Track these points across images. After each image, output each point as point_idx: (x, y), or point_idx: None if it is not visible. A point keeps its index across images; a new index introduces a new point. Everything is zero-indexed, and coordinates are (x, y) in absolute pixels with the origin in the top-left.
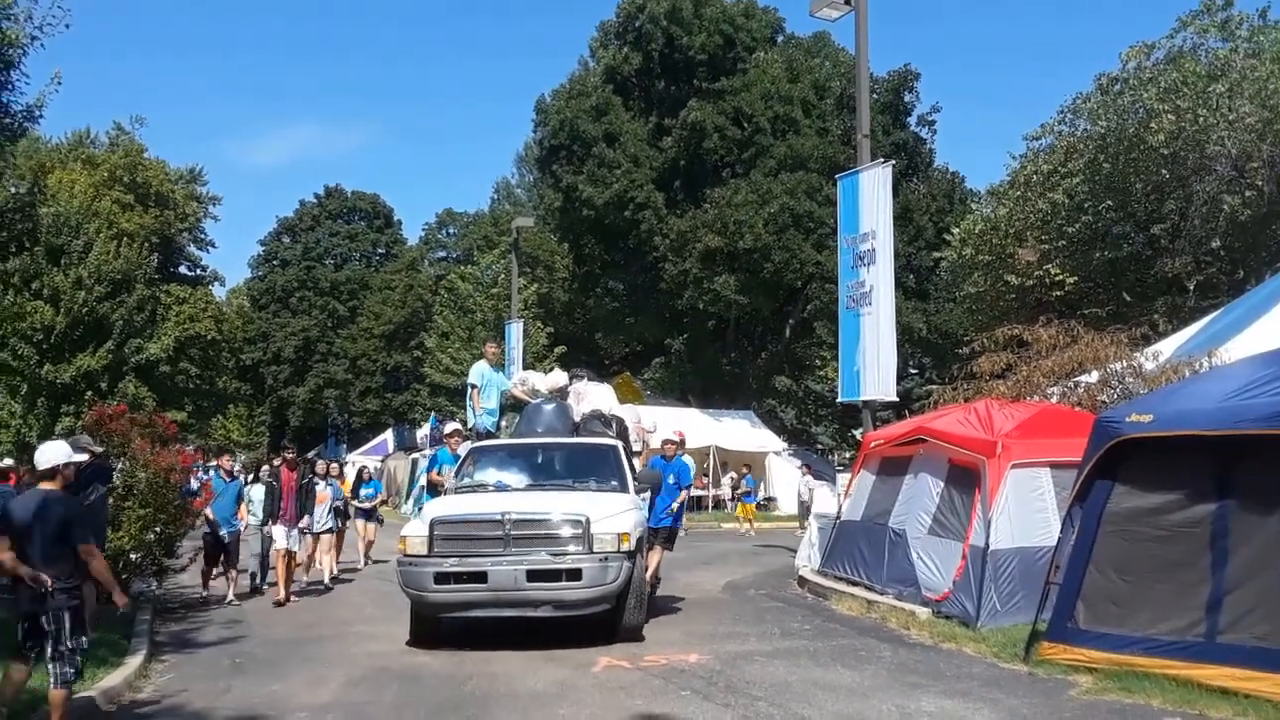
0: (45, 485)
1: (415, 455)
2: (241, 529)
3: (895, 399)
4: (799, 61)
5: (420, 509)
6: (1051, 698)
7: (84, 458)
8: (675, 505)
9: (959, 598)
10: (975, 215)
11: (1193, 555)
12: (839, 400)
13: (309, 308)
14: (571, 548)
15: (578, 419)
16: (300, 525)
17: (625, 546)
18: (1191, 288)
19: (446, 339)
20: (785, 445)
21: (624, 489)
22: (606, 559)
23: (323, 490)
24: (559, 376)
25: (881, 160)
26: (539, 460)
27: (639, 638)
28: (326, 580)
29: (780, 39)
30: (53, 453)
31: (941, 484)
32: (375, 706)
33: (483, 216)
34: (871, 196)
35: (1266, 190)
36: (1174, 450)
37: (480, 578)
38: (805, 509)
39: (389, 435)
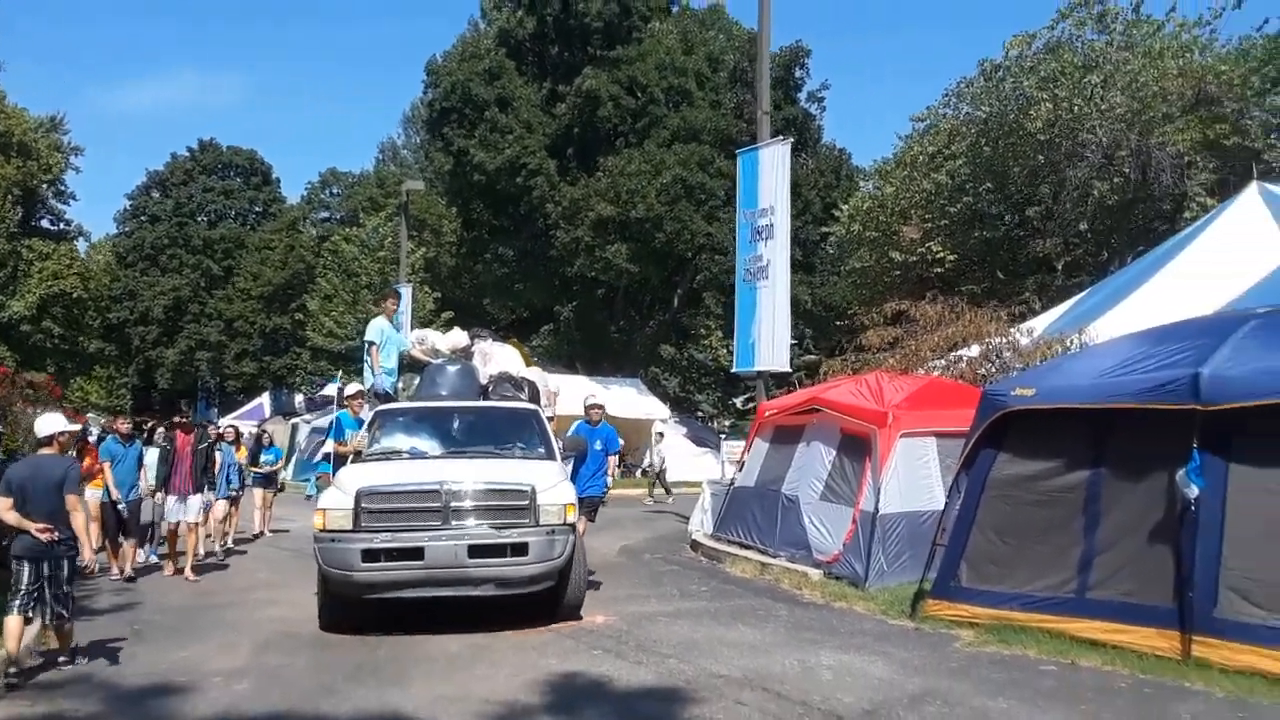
0: (44, 451)
1: (295, 420)
2: (143, 498)
3: (788, 370)
4: (693, 33)
5: (317, 482)
6: (938, 650)
7: (78, 427)
8: (615, 471)
9: (849, 559)
10: (863, 193)
11: (1067, 518)
12: (734, 370)
13: (180, 266)
14: (516, 520)
15: (484, 381)
16: (203, 495)
17: (570, 518)
18: (1060, 267)
19: (330, 302)
20: (669, 413)
21: (550, 456)
22: (553, 532)
23: (219, 456)
24: (459, 336)
25: (781, 138)
26: (454, 425)
27: (578, 616)
28: (218, 549)
29: (675, 9)
30: (50, 423)
31: (833, 452)
32: (291, 670)
33: (368, 177)
34: (770, 173)
35: (1132, 177)
36: (1053, 422)
37: (415, 554)
38: (658, 475)
39: (265, 399)
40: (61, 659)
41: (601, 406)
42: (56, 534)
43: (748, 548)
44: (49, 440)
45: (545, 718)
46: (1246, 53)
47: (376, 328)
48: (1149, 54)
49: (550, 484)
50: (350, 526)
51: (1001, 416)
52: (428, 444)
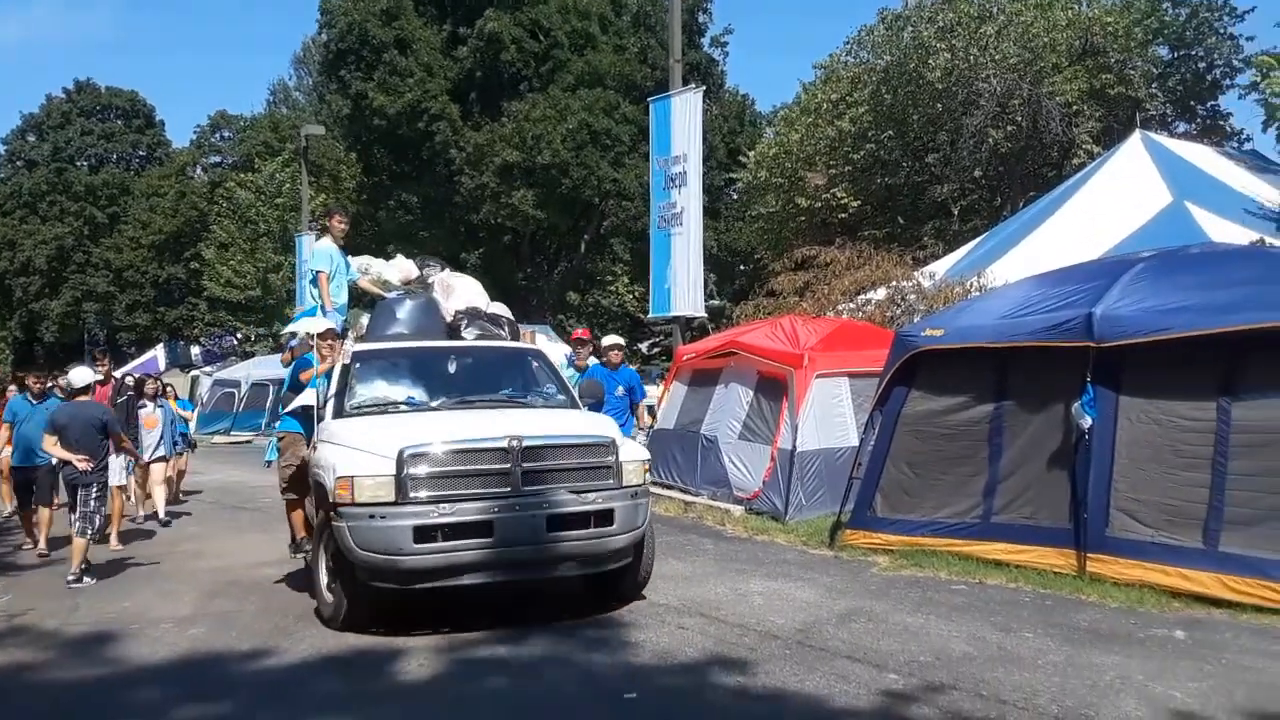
0: (80, 398)
1: (194, 373)
2: (53, 461)
3: (704, 315)
4: None
5: (279, 444)
6: (857, 575)
7: (100, 377)
8: (646, 421)
9: (769, 495)
10: (769, 140)
11: (973, 450)
12: (649, 316)
13: (62, 214)
14: (597, 483)
15: (449, 318)
16: (123, 458)
17: (647, 478)
18: (956, 212)
19: (226, 251)
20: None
21: (573, 404)
22: (636, 495)
23: (150, 414)
24: (407, 265)
25: (693, 86)
26: (450, 370)
27: (643, 596)
28: (161, 515)
29: None
30: (82, 375)
31: (751, 393)
32: (242, 615)
33: (261, 121)
34: (683, 120)
35: (1024, 125)
36: (961, 360)
37: (482, 529)
38: None
39: (159, 352)
40: (70, 576)
41: (622, 346)
42: (93, 464)
43: (670, 487)
44: (85, 389)
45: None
46: (1130, 4)
47: (325, 252)
48: (1040, 5)
49: (621, 437)
50: (393, 497)
51: (913, 356)
52: (425, 393)
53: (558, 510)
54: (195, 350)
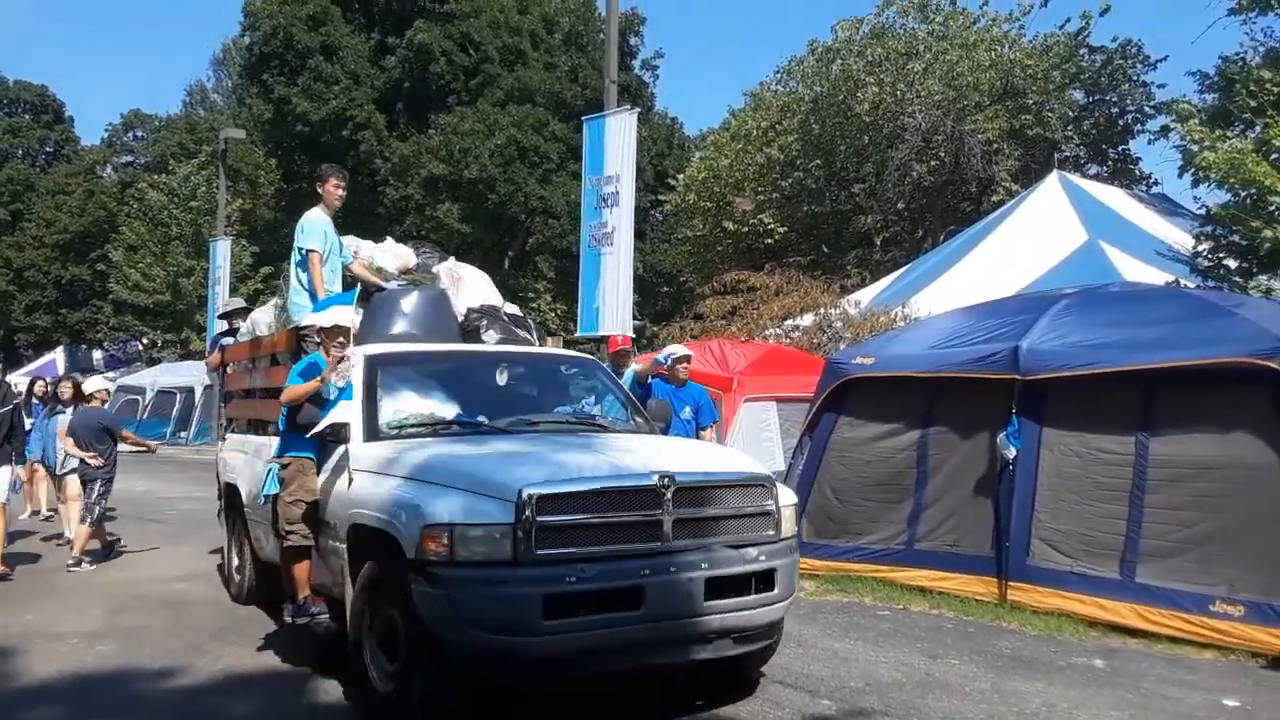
0: (87, 405)
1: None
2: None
3: (633, 335)
4: None
5: (281, 474)
6: None
7: (113, 386)
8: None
9: None
10: (698, 163)
11: (899, 477)
12: (577, 335)
13: None
14: (756, 535)
15: (460, 316)
16: (11, 466)
17: (796, 526)
18: (879, 242)
19: (135, 253)
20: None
21: (650, 429)
22: (793, 549)
23: (64, 423)
24: (402, 249)
25: (628, 107)
26: (501, 383)
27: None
28: (76, 553)
29: None
30: (92, 384)
31: None
32: (152, 631)
33: (176, 121)
34: (617, 141)
35: (947, 161)
36: (890, 388)
37: (632, 599)
38: None
39: (58, 355)
40: (69, 561)
41: (690, 357)
42: (102, 462)
43: None
44: (91, 396)
45: None
46: (1049, 49)
47: (319, 225)
48: (965, 45)
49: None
50: (510, 555)
51: (843, 383)
52: (466, 412)
53: (719, 571)
54: (97, 355)
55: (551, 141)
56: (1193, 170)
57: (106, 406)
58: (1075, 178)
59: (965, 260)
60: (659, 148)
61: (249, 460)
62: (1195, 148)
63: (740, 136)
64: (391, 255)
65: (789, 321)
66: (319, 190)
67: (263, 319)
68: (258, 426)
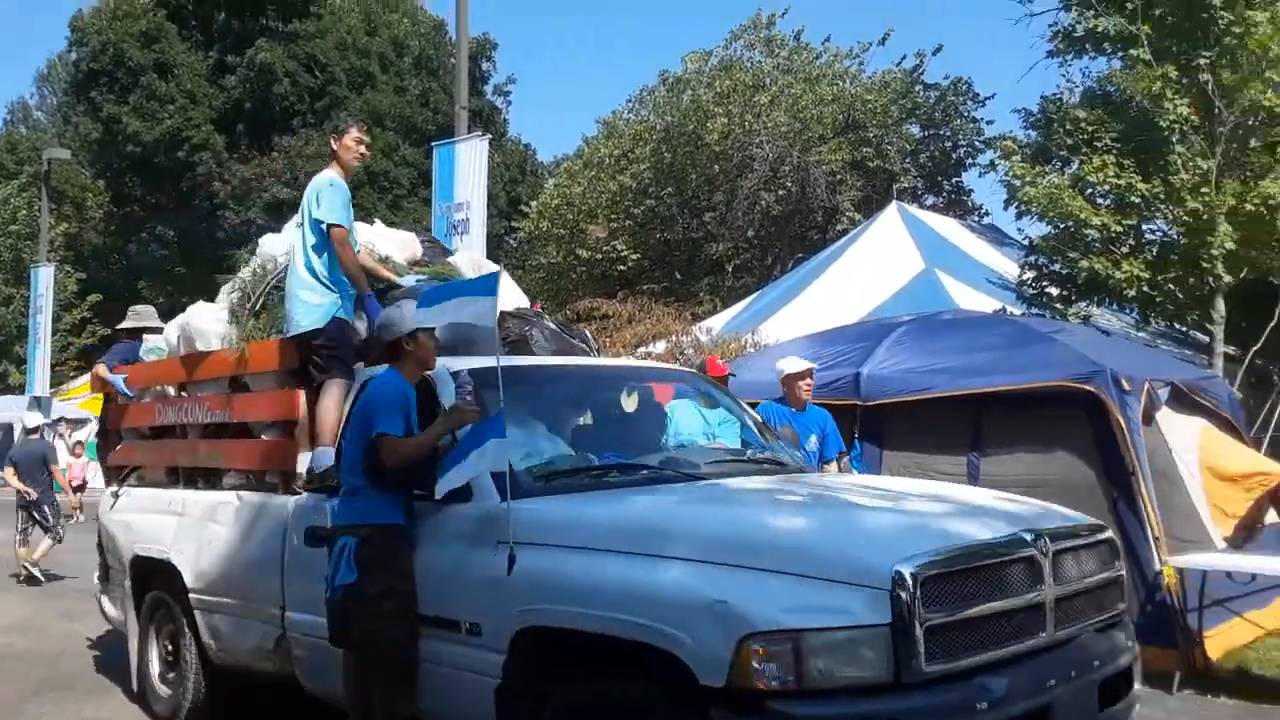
0: (31, 436)
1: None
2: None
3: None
4: (378, 15)
5: (356, 555)
6: None
7: (52, 419)
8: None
9: None
10: (551, 190)
11: None
12: None
13: None
14: (1115, 611)
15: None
16: None
17: None
18: (730, 269)
19: None
20: None
21: (802, 465)
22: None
23: None
24: (406, 237)
25: (479, 134)
26: (629, 410)
27: None
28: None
29: None
30: (32, 419)
31: None
32: None
33: None
34: (468, 168)
35: (793, 190)
36: None
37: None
38: None
39: None
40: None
41: (811, 373)
42: (35, 492)
43: None
44: (34, 430)
45: None
46: (888, 85)
47: (342, 195)
48: (808, 79)
49: None
50: (889, 672)
51: None
52: (596, 451)
53: (1109, 668)
54: None
55: (401, 166)
56: (1016, 204)
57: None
58: (913, 208)
59: (812, 287)
60: (512, 174)
61: (198, 526)
62: (1018, 183)
63: (593, 164)
64: (395, 242)
65: (642, 349)
66: (333, 147)
67: (210, 327)
68: (203, 478)
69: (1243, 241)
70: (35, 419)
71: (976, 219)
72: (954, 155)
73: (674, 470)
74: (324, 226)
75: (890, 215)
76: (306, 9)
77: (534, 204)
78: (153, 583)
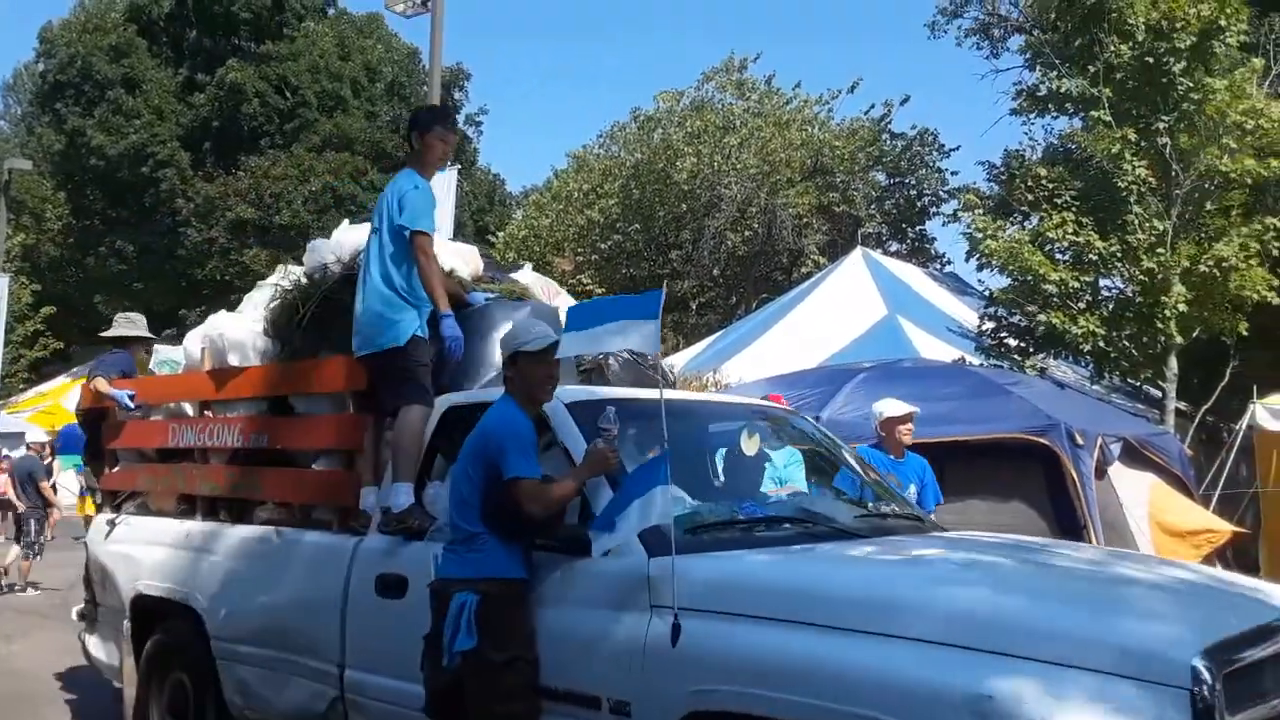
0: (28, 452)
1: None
2: None
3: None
4: (351, 40)
5: (475, 616)
6: None
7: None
8: None
9: None
10: (518, 221)
11: None
12: None
13: None
14: None
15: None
16: None
17: None
18: (694, 307)
19: None
20: None
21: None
22: None
23: None
24: (468, 250)
25: (450, 163)
26: (749, 453)
27: None
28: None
29: (333, 12)
30: (31, 434)
31: None
32: None
33: None
34: (436, 196)
35: (760, 232)
36: None
37: None
38: None
39: None
40: (17, 585)
41: (912, 417)
42: (24, 505)
43: None
44: (28, 445)
45: None
46: (855, 132)
47: (429, 198)
48: (778, 123)
49: None
50: None
51: None
52: (709, 495)
53: None
54: None
55: (370, 191)
56: (978, 256)
57: None
58: (877, 254)
59: (775, 329)
60: (480, 203)
61: (226, 564)
62: (980, 236)
63: (562, 197)
64: (458, 255)
65: None
66: (413, 145)
67: (247, 340)
68: (225, 509)
69: (1196, 302)
70: (33, 434)
71: (939, 267)
72: (918, 204)
73: (826, 526)
74: (407, 234)
75: (854, 260)
76: (280, 31)
77: (501, 234)
78: (160, 626)
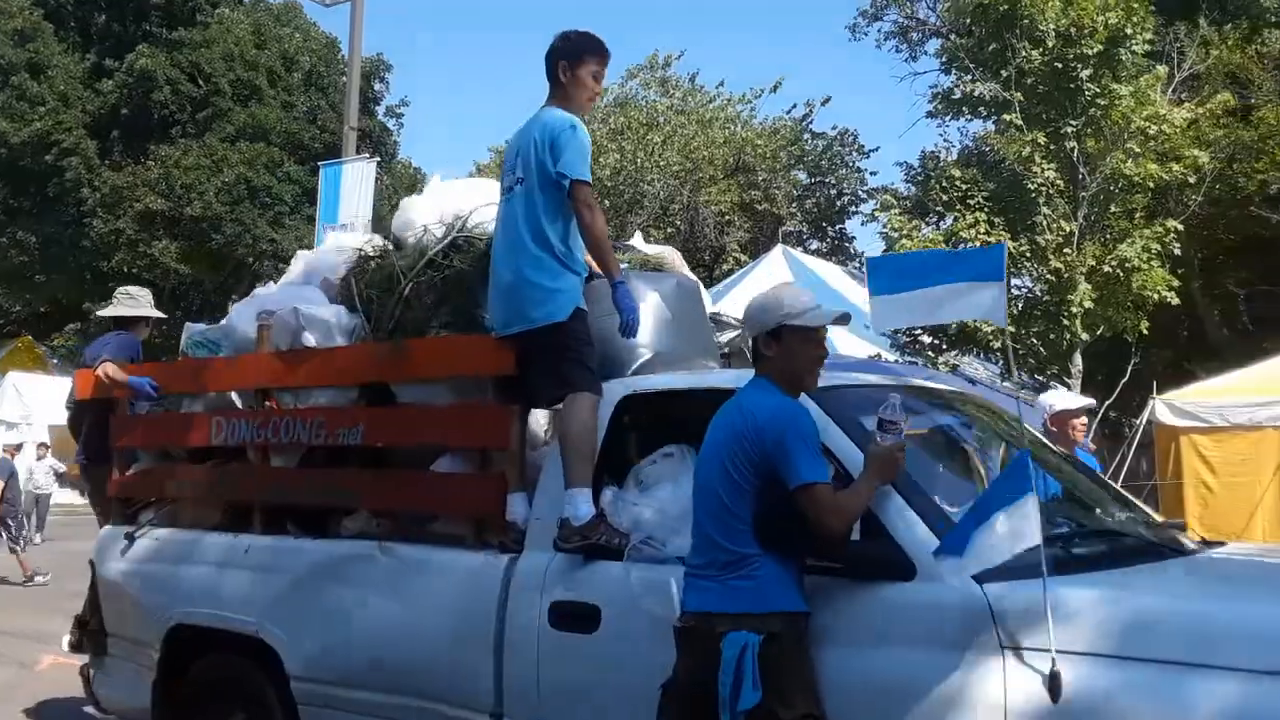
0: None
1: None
2: None
3: None
4: (268, 28)
5: (758, 663)
6: None
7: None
8: None
9: None
10: None
11: None
12: None
13: None
14: None
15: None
16: None
17: None
18: None
19: None
20: None
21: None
22: None
23: None
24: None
25: (367, 156)
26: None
27: None
28: None
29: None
30: (12, 435)
31: None
32: None
33: None
34: (354, 189)
35: (682, 229)
36: None
37: None
38: None
39: None
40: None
41: (1088, 410)
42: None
43: None
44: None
45: None
46: (777, 131)
47: (586, 141)
48: (701, 121)
49: None
50: None
51: None
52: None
53: None
54: None
55: (285, 183)
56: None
57: None
58: (797, 252)
59: None
60: (400, 196)
61: (313, 588)
62: (896, 235)
63: None
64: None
65: None
66: (560, 78)
67: (326, 315)
68: (292, 521)
69: (1100, 301)
70: (13, 436)
71: (857, 266)
72: (838, 203)
73: (1139, 541)
74: (566, 183)
75: (775, 257)
76: (193, 17)
77: None
78: (206, 663)
